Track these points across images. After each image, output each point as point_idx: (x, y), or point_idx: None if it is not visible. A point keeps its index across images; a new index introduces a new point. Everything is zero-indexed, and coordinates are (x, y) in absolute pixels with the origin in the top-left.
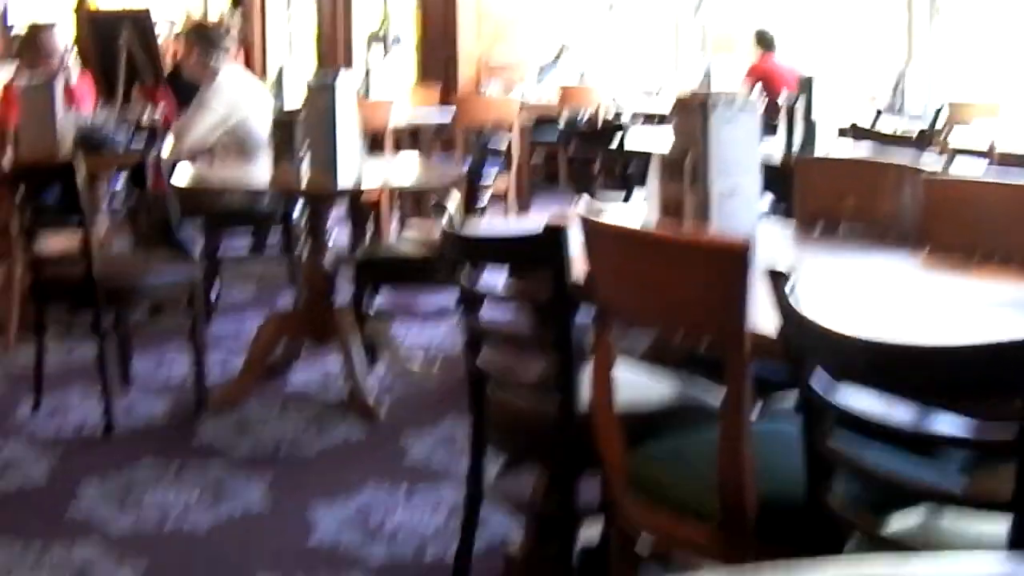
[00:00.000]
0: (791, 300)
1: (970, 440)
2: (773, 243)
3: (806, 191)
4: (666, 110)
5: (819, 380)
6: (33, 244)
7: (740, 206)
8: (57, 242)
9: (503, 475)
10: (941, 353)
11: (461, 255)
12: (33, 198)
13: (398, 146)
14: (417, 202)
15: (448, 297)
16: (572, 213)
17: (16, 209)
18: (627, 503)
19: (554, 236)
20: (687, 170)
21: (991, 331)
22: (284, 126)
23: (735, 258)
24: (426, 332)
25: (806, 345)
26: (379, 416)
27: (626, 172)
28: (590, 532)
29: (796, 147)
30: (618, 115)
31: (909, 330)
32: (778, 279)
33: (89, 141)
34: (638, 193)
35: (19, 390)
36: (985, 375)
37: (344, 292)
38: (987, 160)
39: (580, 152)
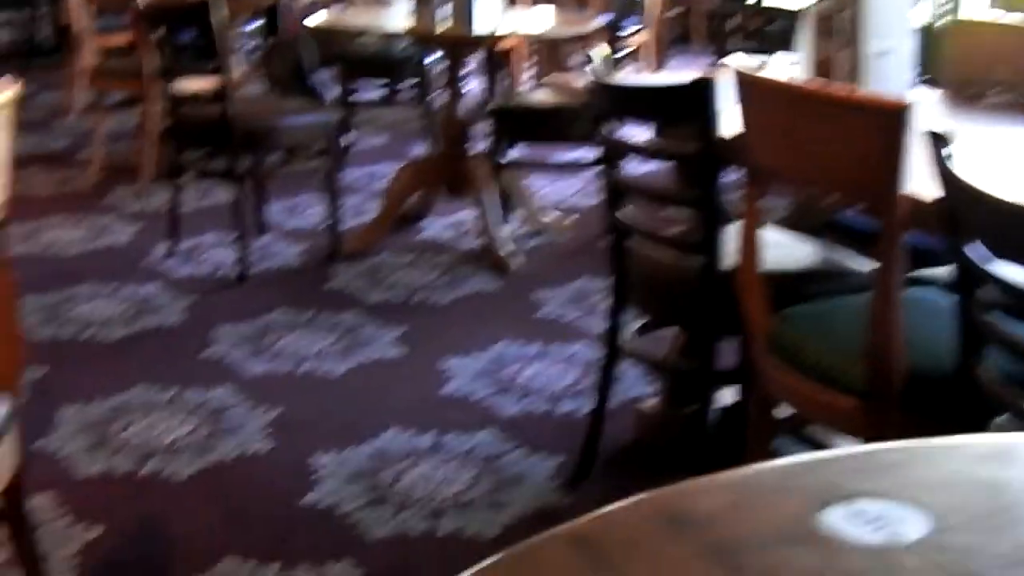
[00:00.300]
0: (950, 163)
1: None
2: (925, 108)
3: (957, 56)
4: None
5: (976, 249)
6: (170, 86)
7: (893, 67)
8: (193, 84)
9: (640, 334)
10: None
11: (607, 105)
12: (170, 39)
13: None
14: (552, 55)
15: (583, 151)
16: (722, 68)
17: (153, 50)
18: (768, 368)
19: (704, 88)
20: (840, 29)
21: None
22: None
23: (895, 117)
24: (560, 186)
25: (964, 211)
26: (512, 269)
27: (765, 31)
28: (723, 395)
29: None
30: None
31: None
32: (938, 141)
33: None
34: (777, 55)
35: (154, 233)
36: None
37: (479, 143)
38: None
39: (718, 8)
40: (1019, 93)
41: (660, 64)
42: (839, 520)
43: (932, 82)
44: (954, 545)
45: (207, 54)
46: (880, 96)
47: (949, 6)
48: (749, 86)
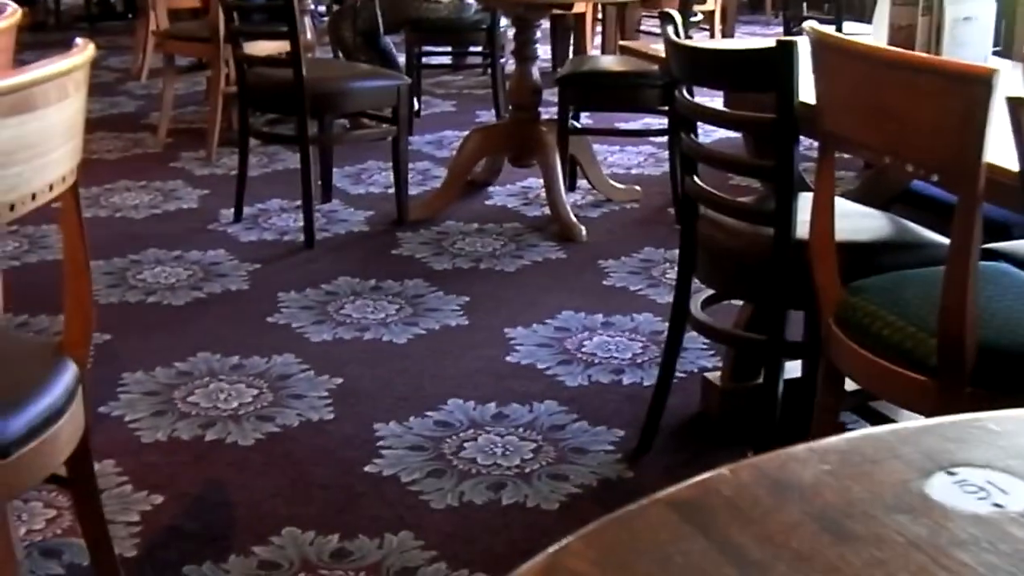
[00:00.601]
0: None
1: None
2: (1005, 76)
3: None
4: None
5: None
6: (239, 49)
7: (974, 35)
8: (263, 48)
9: (707, 305)
10: None
11: (683, 71)
12: (240, 2)
13: None
14: (620, 21)
15: (651, 119)
16: (799, 34)
17: (223, 13)
18: (836, 341)
19: (786, 52)
20: None
21: None
22: None
23: (982, 84)
24: (628, 154)
25: None
26: (579, 237)
27: None
28: (791, 367)
29: None
30: None
31: None
32: (1021, 106)
33: None
34: (854, 23)
35: (221, 198)
36: None
37: (547, 110)
38: None
39: None
40: None
41: (730, 32)
42: (943, 489)
43: (1003, 53)
44: None
45: (277, 17)
46: (963, 62)
47: None
48: (827, 50)
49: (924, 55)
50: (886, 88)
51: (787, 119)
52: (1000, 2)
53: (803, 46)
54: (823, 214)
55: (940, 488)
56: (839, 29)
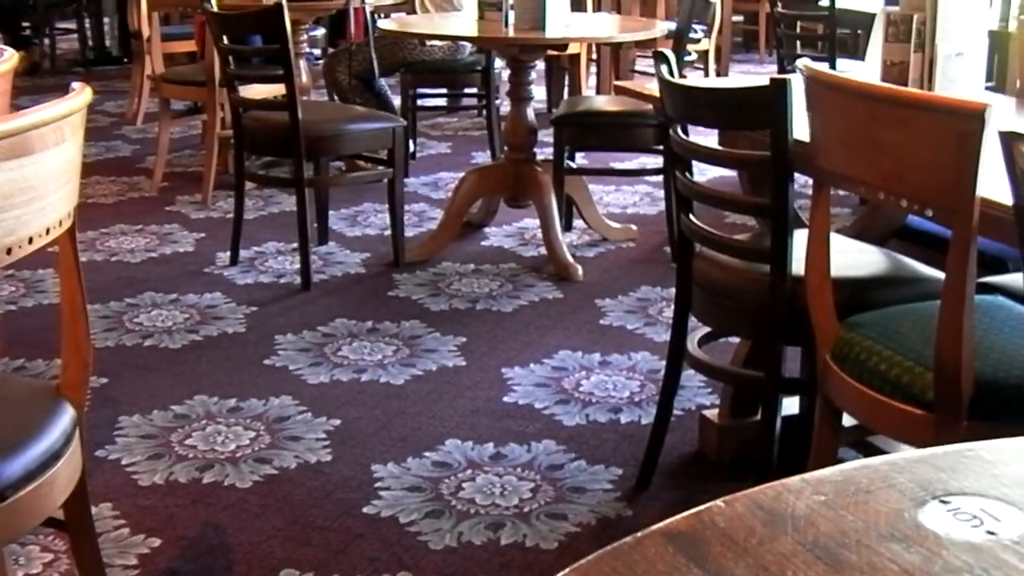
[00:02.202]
0: None
1: None
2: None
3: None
4: None
5: None
6: (235, 93)
7: (965, 71)
8: (258, 92)
9: (704, 342)
10: None
11: (678, 109)
12: (236, 46)
13: (598, 6)
14: (615, 61)
15: (646, 158)
16: (792, 72)
17: (218, 58)
18: (833, 376)
19: (779, 90)
20: (914, 30)
21: None
22: None
23: (974, 118)
24: (624, 193)
25: None
26: (576, 277)
27: (830, 36)
28: (789, 404)
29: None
30: None
31: None
32: (1014, 140)
33: None
34: (846, 60)
35: (217, 241)
36: None
37: (542, 151)
38: None
39: (787, 12)
40: None
41: (724, 70)
42: (937, 517)
43: (998, 88)
44: None
45: (273, 61)
46: (955, 97)
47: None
48: (820, 87)
49: (916, 91)
50: (879, 124)
51: (782, 156)
52: (993, 38)
53: (797, 84)
54: (818, 250)
55: (934, 517)
56: (832, 67)
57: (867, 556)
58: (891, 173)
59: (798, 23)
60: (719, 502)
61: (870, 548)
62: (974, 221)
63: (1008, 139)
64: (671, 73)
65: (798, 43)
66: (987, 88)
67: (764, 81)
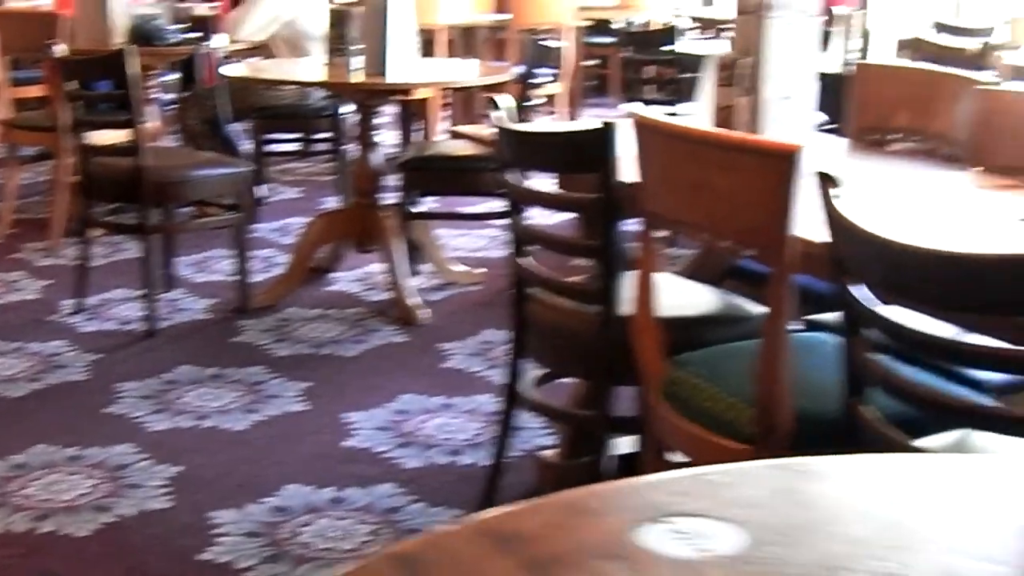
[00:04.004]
0: (837, 204)
1: (1006, 353)
2: (826, 153)
3: (861, 100)
4: (725, 17)
5: (861, 289)
6: (82, 138)
7: (793, 113)
8: (106, 137)
9: (540, 384)
10: (980, 261)
11: (510, 153)
12: (84, 90)
13: (451, 51)
14: (466, 105)
15: (495, 203)
16: (623, 113)
17: (67, 103)
18: (661, 414)
19: (605, 134)
20: (742, 74)
21: None
22: (340, 19)
23: (785, 160)
24: (471, 237)
25: (850, 252)
26: (420, 321)
27: (678, 79)
28: (622, 444)
29: (852, 60)
30: (676, 19)
31: (951, 241)
32: (826, 181)
33: (141, 33)
34: (689, 103)
35: (63, 288)
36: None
37: (391, 194)
38: None
39: (633, 56)
40: (921, 139)
41: (576, 114)
42: (655, 537)
43: (839, 130)
44: (762, 557)
45: (121, 106)
46: (770, 140)
47: (858, 54)
48: (645, 130)
49: (734, 134)
50: (700, 167)
51: (609, 199)
52: (831, 80)
53: (625, 127)
54: (645, 291)
55: (652, 536)
56: (679, 107)
57: (579, 573)
58: (712, 214)
59: (645, 68)
60: (454, 526)
61: (581, 565)
62: (790, 259)
63: (822, 180)
64: (504, 118)
65: (648, 87)
66: (826, 130)
67: (591, 125)
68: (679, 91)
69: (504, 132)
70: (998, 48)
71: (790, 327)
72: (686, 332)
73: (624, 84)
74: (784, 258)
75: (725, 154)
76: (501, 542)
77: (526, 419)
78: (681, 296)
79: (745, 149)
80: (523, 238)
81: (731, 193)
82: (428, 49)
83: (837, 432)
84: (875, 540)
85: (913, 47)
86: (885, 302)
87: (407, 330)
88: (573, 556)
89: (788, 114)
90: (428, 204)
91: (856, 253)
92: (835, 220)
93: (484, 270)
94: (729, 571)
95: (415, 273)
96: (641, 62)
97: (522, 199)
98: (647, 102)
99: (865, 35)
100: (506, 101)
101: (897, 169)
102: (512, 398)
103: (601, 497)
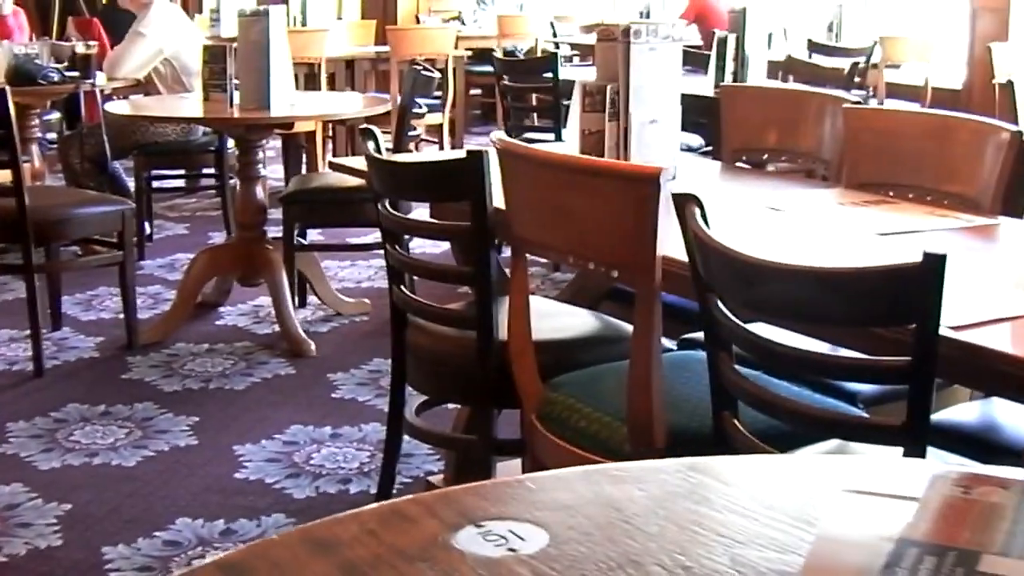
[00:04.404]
0: (698, 223)
1: (867, 364)
2: (695, 175)
3: (730, 122)
4: None
5: (723, 305)
6: None
7: (660, 137)
8: None
9: (423, 411)
10: (831, 275)
11: (385, 182)
12: None
13: (333, 83)
14: (351, 137)
15: (380, 233)
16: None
17: None
18: (539, 435)
19: (475, 162)
20: (608, 100)
21: (886, 258)
22: (217, 55)
23: (646, 183)
24: (358, 268)
25: (710, 267)
26: (309, 352)
27: (558, 106)
28: (510, 467)
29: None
30: (556, 47)
31: (809, 257)
32: (686, 201)
33: (22, 73)
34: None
35: None
36: (877, 297)
37: (276, 228)
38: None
39: (512, 85)
40: (790, 159)
41: (459, 143)
42: (467, 539)
43: (715, 154)
44: (567, 555)
45: (1, 147)
46: (632, 164)
47: (732, 80)
48: (509, 157)
49: (596, 159)
50: (564, 192)
51: (481, 225)
52: (705, 104)
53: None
54: (518, 315)
55: (465, 539)
56: (558, 137)
57: (390, 574)
58: (578, 238)
59: (526, 96)
60: (274, 536)
61: (397, 568)
62: (656, 280)
63: (679, 201)
64: (377, 149)
65: (528, 113)
66: (703, 152)
67: (462, 153)
68: (558, 119)
69: (375, 162)
70: (872, 68)
71: (664, 346)
72: (562, 355)
73: (506, 113)
74: (651, 279)
75: (589, 178)
76: (320, 548)
77: (415, 445)
78: (557, 320)
79: (607, 173)
80: (399, 268)
81: (596, 217)
82: (310, 82)
83: (710, 446)
84: (672, 537)
85: (786, 68)
86: (746, 319)
87: (295, 362)
88: (387, 559)
89: (655, 138)
90: (316, 236)
91: (717, 270)
92: (696, 238)
93: (370, 300)
94: (532, 568)
95: (303, 305)
96: (522, 90)
97: (395, 228)
98: (529, 129)
99: (742, 58)
100: (377, 133)
101: (763, 188)
102: (397, 426)
103: (420, 504)
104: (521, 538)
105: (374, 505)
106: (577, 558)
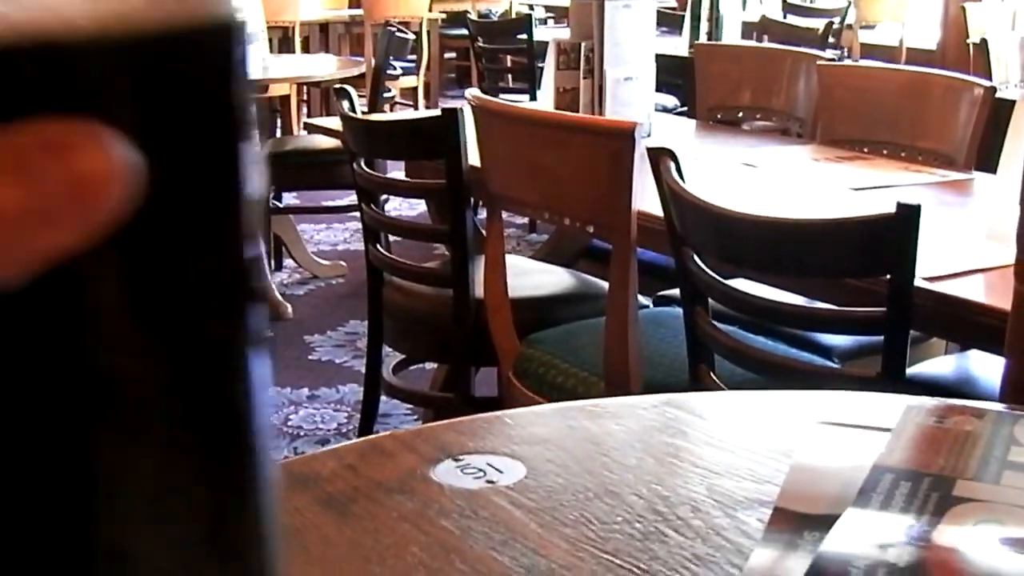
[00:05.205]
0: (673, 177)
1: (843, 315)
2: (670, 133)
3: (705, 80)
4: None
5: (699, 259)
6: None
7: (634, 94)
8: None
9: (399, 370)
10: (803, 226)
11: (358, 144)
12: None
13: (307, 47)
14: (325, 100)
15: (356, 195)
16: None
17: None
18: (516, 393)
19: (450, 120)
20: (582, 57)
21: (861, 211)
22: None
23: (622, 138)
24: (334, 231)
25: (685, 222)
26: (285, 315)
27: (534, 67)
28: None
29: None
30: (530, 8)
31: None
32: (661, 155)
33: None
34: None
35: None
36: (853, 248)
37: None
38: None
39: (487, 46)
40: (764, 116)
41: (434, 105)
42: (445, 472)
43: (690, 112)
44: (544, 486)
45: None
46: (606, 119)
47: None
48: (485, 115)
49: (571, 114)
50: (539, 148)
51: (457, 183)
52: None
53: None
54: (494, 272)
55: (443, 472)
56: (533, 98)
57: (372, 507)
58: (553, 194)
59: (500, 57)
60: None
61: (376, 500)
62: (632, 235)
63: (654, 155)
64: (352, 109)
65: (507, 77)
66: (678, 112)
67: (436, 112)
68: (533, 80)
69: (350, 122)
70: (846, 28)
71: (640, 302)
72: (538, 312)
73: (480, 75)
74: (627, 234)
75: (564, 134)
76: (299, 482)
77: (393, 405)
78: (533, 277)
79: (582, 129)
80: (375, 227)
81: (570, 172)
82: (284, 46)
83: None
84: (649, 469)
85: (760, 28)
86: (722, 274)
87: (272, 325)
88: (365, 493)
89: (629, 95)
90: (292, 199)
91: (692, 224)
92: (671, 192)
93: (347, 263)
94: (511, 499)
95: (279, 268)
96: (496, 51)
97: (372, 188)
98: (504, 91)
99: (716, 18)
100: (352, 92)
101: (738, 146)
102: (374, 385)
103: (398, 440)
104: (499, 470)
105: (353, 441)
106: (555, 488)
